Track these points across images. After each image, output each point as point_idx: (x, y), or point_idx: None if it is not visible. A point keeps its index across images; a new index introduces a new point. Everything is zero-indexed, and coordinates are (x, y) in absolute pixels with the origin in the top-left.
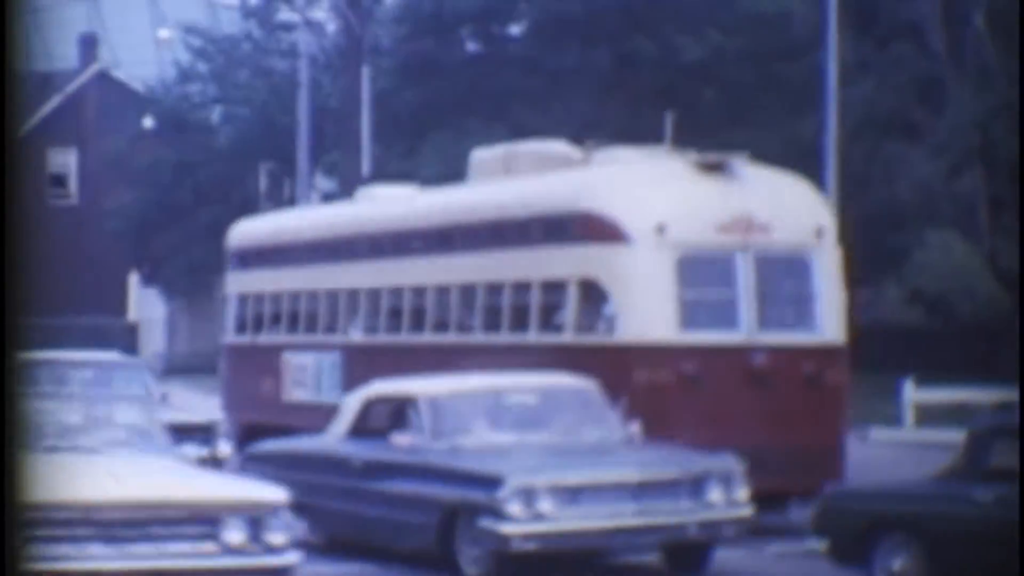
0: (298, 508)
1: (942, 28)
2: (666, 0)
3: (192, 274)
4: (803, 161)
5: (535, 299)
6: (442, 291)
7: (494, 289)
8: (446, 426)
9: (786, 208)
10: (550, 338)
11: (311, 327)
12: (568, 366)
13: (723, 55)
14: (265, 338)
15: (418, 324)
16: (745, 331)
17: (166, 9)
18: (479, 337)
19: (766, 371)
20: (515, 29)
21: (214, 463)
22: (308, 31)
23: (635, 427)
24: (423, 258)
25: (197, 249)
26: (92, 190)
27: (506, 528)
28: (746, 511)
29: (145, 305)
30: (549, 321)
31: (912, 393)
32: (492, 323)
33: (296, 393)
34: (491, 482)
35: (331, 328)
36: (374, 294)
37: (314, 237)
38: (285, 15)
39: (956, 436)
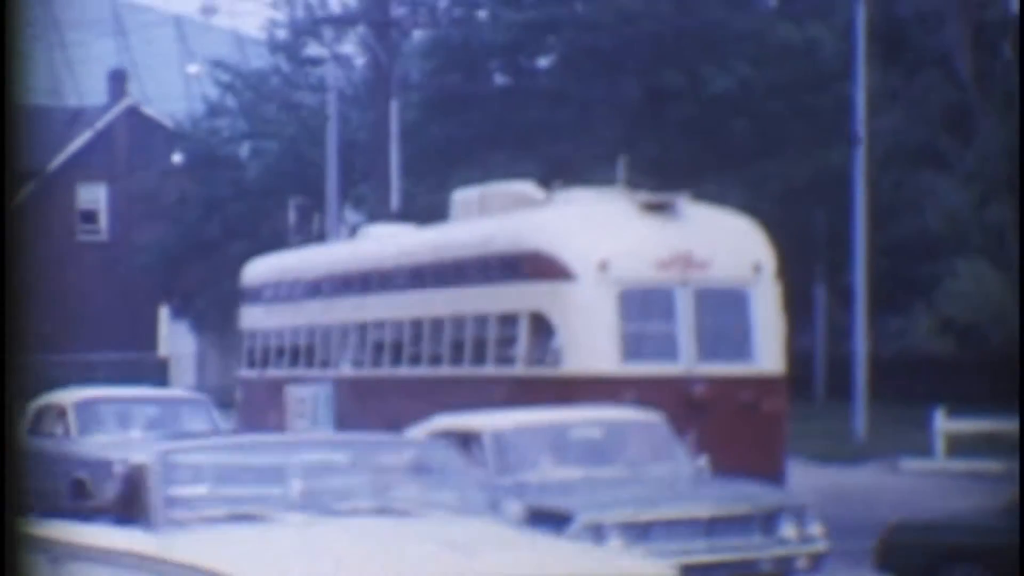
0: None
1: (970, 57)
2: (695, 32)
3: (222, 308)
4: (832, 190)
5: (492, 333)
6: (416, 325)
7: (458, 324)
8: (511, 461)
9: (725, 245)
10: (505, 371)
11: (309, 361)
12: (521, 398)
13: (752, 86)
14: (271, 372)
15: (397, 357)
16: (684, 362)
17: (194, 45)
18: (446, 370)
19: (705, 400)
20: (543, 62)
21: None
22: (336, 65)
23: (703, 461)
24: (401, 294)
25: (227, 283)
26: (122, 225)
27: None
28: (820, 545)
29: (176, 340)
30: (505, 355)
31: (943, 423)
32: (457, 357)
33: (297, 424)
34: (559, 519)
35: (325, 362)
36: (361, 328)
37: (312, 274)
38: (313, 50)
39: (987, 466)
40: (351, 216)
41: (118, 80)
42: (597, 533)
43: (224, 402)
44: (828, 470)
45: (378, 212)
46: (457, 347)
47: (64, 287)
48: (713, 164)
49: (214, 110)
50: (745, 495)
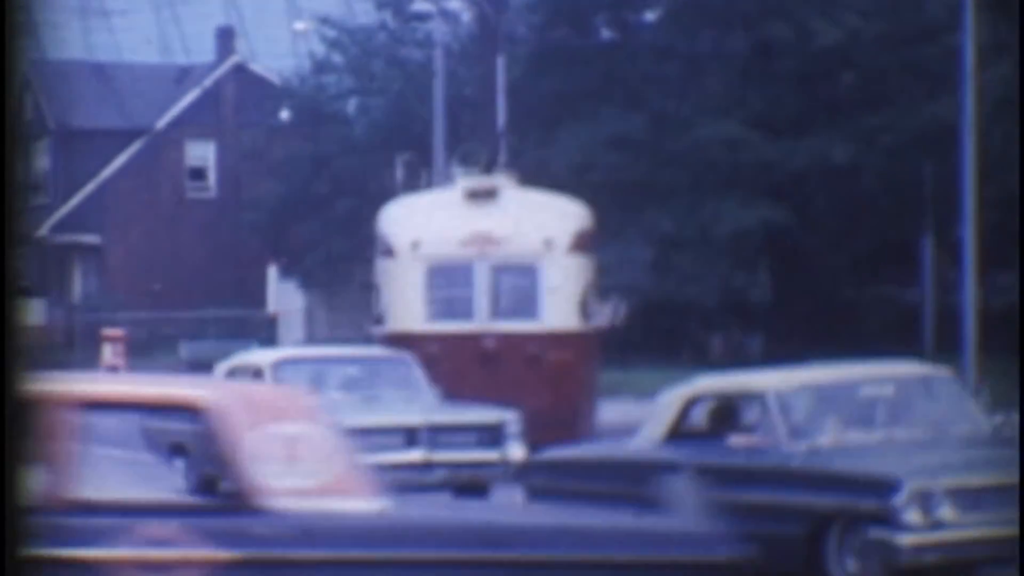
0: None
1: None
2: None
3: (330, 265)
4: (941, 144)
5: (368, 300)
6: None
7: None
8: (801, 424)
9: (523, 225)
10: (368, 329)
11: None
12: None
13: (860, 38)
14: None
15: None
16: (478, 321)
17: (301, 1)
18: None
19: (495, 352)
20: (650, 16)
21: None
22: (443, 21)
23: (999, 420)
24: None
25: (335, 241)
26: (230, 183)
27: (902, 538)
28: None
29: (284, 297)
30: (370, 317)
31: None
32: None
33: None
34: (883, 486)
35: None
36: None
37: None
38: (419, 5)
39: None
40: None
41: (226, 37)
42: (927, 501)
43: None
44: None
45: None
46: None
47: (174, 245)
48: (821, 118)
49: (321, 67)
50: None
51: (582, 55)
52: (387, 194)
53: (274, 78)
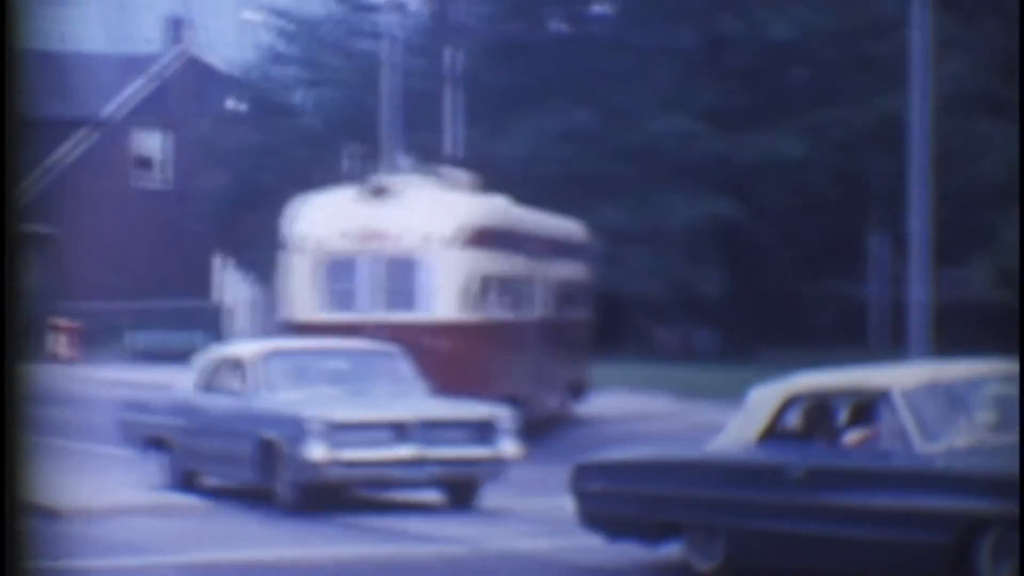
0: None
1: None
2: None
3: (276, 256)
4: (891, 139)
5: None
6: None
7: None
8: (933, 424)
9: (410, 221)
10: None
11: None
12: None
13: (811, 33)
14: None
15: None
16: (361, 312)
17: None
18: None
19: (379, 340)
20: (600, 8)
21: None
22: (393, 12)
23: None
24: None
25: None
26: (179, 173)
27: None
28: None
29: (231, 288)
30: None
31: None
32: None
33: None
34: None
35: None
36: None
37: None
38: None
39: None
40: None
41: (175, 27)
42: None
43: None
44: None
45: (434, 159)
46: None
47: (123, 235)
48: (771, 112)
49: (271, 57)
50: None
51: (533, 48)
52: (335, 185)
53: (224, 68)
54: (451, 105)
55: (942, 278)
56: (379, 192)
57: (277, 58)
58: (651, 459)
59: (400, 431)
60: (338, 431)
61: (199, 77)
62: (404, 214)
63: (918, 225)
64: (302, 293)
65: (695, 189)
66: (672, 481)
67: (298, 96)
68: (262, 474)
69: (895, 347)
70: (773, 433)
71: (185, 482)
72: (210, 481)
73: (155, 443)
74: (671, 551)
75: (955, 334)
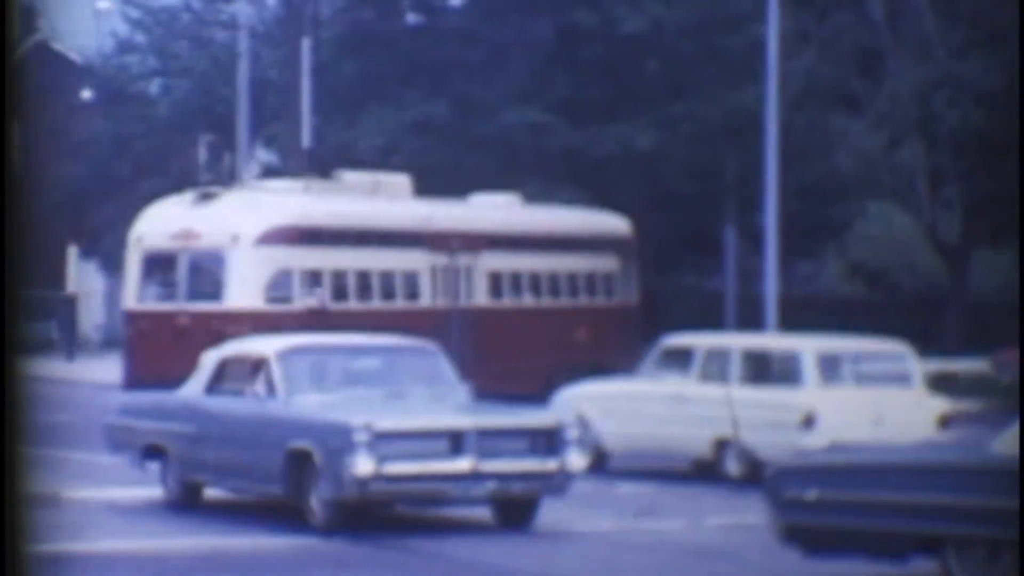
0: None
1: None
2: None
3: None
4: (744, 132)
5: None
6: None
7: None
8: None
9: (221, 222)
10: None
11: None
12: None
13: (664, 27)
14: None
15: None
16: (176, 302)
17: None
18: None
19: (187, 328)
20: (455, 1)
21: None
22: (248, 2)
23: None
24: None
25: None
26: (30, 162)
27: None
28: None
29: (84, 278)
30: None
31: None
32: None
33: None
34: None
35: None
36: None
37: None
38: None
39: None
40: (262, 154)
41: (27, 15)
42: None
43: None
44: None
45: (290, 150)
46: None
47: None
48: (625, 105)
49: (124, 46)
50: None
51: (387, 39)
52: (190, 175)
53: (76, 57)
54: (307, 96)
55: (794, 272)
56: (205, 197)
57: (130, 47)
58: (893, 463)
59: (455, 441)
60: (385, 441)
61: (51, 66)
62: (219, 217)
63: (770, 219)
64: (132, 285)
65: (549, 181)
66: (930, 488)
67: (153, 86)
68: (290, 489)
69: None
70: None
71: (187, 495)
72: (216, 493)
73: (153, 451)
74: (915, 568)
75: (806, 327)
